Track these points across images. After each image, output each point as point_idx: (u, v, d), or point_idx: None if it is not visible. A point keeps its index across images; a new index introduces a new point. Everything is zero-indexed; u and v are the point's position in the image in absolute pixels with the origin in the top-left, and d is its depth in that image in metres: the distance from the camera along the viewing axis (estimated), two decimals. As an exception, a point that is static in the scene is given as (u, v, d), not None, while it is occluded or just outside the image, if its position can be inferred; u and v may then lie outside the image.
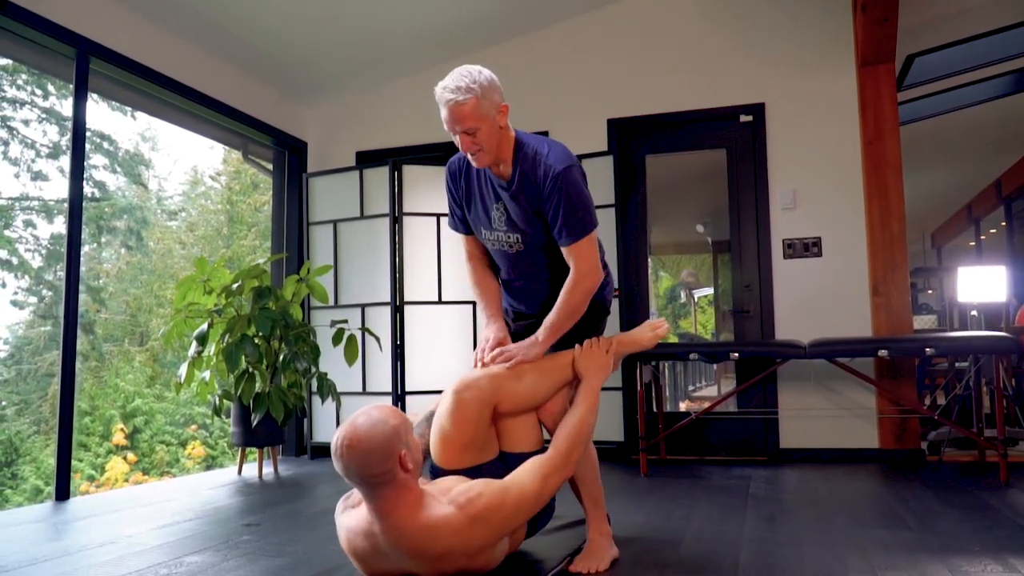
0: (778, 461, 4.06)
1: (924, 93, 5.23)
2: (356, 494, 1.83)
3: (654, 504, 2.94)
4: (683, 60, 4.47)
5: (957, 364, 4.53)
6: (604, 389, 4.15)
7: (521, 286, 2.17)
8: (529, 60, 4.71)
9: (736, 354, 3.67)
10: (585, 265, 2.00)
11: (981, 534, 2.34)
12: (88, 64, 3.47)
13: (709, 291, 6.55)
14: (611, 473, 3.73)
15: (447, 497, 1.68)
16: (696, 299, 7.15)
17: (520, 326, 2.21)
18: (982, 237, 9.04)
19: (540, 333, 2.03)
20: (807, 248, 4.17)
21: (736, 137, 4.40)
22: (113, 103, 12.08)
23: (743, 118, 4.35)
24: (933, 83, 5.00)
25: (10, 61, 10.48)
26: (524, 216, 2.03)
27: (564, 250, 2.01)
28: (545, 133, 4.60)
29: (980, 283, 4.53)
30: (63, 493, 3.26)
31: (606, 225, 4.23)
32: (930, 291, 9.78)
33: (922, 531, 2.40)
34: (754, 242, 4.31)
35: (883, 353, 3.44)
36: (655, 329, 2.15)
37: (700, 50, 4.44)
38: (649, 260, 4.56)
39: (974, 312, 4.61)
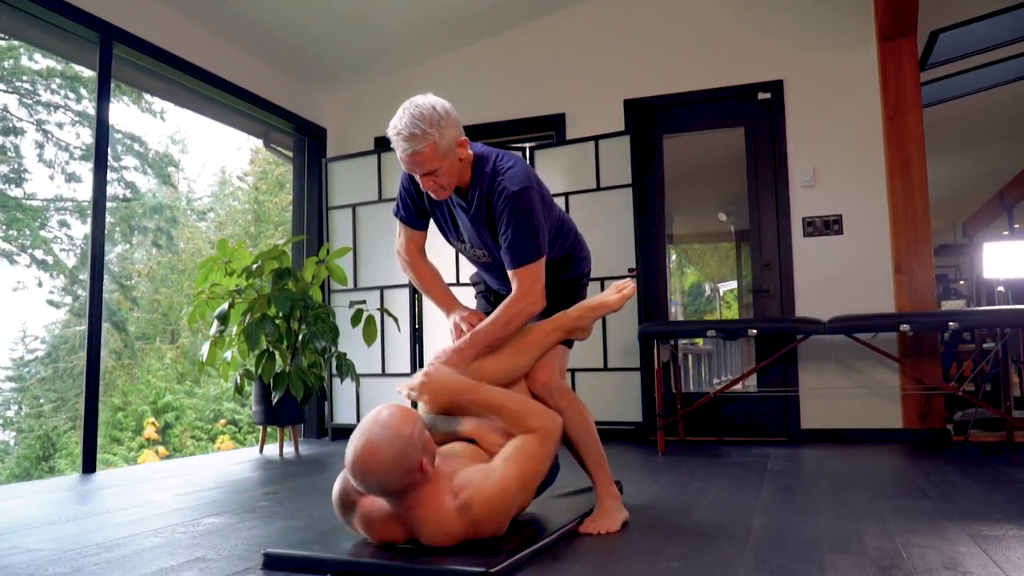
0: (799, 441, 4.01)
1: (949, 72, 5.12)
2: None
3: (670, 478, 2.92)
4: (698, 38, 4.43)
5: (984, 345, 4.43)
6: (622, 370, 4.15)
7: (498, 278, 2.17)
8: (544, 43, 4.72)
9: (754, 330, 3.64)
10: (527, 285, 1.93)
11: (1005, 504, 2.29)
12: (111, 50, 3.56)
13: (733, 285, 6.48)
14: (628, 453, 3.71)
15: (453, 483, 1.65)
16: (721, 293, 7.08)
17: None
18: (1016, 225, 8.80)
19: (465, 343, 1.91)
20: (827, 226, 4.11)
21: (754, 115, 4.35)
22: (143, 104, 12.33)
23: (761, 96, 4.30)
24: (959, 61, 4.89)
25: (46, 65, 10.76)
26: (486, 237, 2.02)
27: (508, 271, 1.96)
28: (561, 115, 4.61)
29: (1007, 258, 4.41)
30: (89, 466, 3.34)
31: (623, 206, 4.22)
32: (962, 281, 9.53)
33: (944, 502, 2.35)
34: (773, 220, 4.26)
35: (905, 328, 3.38)
36: (620, 290, 2.14)
37: (715, 28, 4.41)
38: (672, 251, 4.52)
39: (1000, 288, 4.50)
